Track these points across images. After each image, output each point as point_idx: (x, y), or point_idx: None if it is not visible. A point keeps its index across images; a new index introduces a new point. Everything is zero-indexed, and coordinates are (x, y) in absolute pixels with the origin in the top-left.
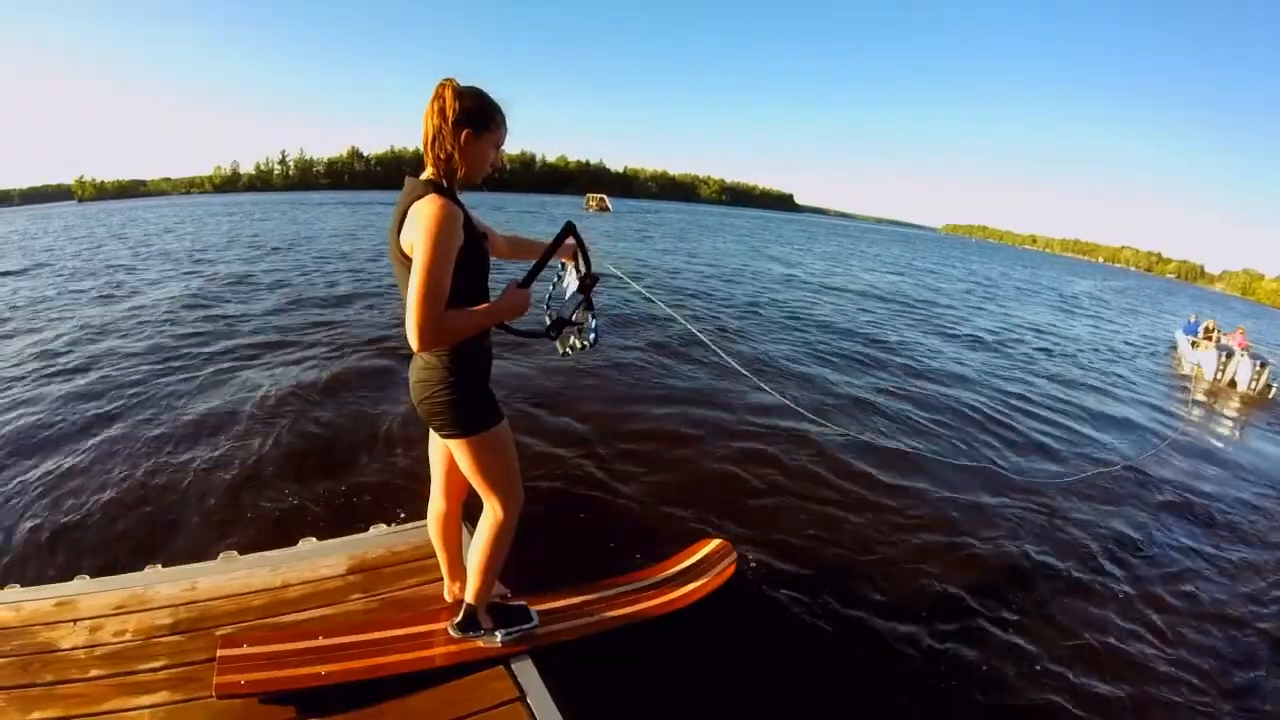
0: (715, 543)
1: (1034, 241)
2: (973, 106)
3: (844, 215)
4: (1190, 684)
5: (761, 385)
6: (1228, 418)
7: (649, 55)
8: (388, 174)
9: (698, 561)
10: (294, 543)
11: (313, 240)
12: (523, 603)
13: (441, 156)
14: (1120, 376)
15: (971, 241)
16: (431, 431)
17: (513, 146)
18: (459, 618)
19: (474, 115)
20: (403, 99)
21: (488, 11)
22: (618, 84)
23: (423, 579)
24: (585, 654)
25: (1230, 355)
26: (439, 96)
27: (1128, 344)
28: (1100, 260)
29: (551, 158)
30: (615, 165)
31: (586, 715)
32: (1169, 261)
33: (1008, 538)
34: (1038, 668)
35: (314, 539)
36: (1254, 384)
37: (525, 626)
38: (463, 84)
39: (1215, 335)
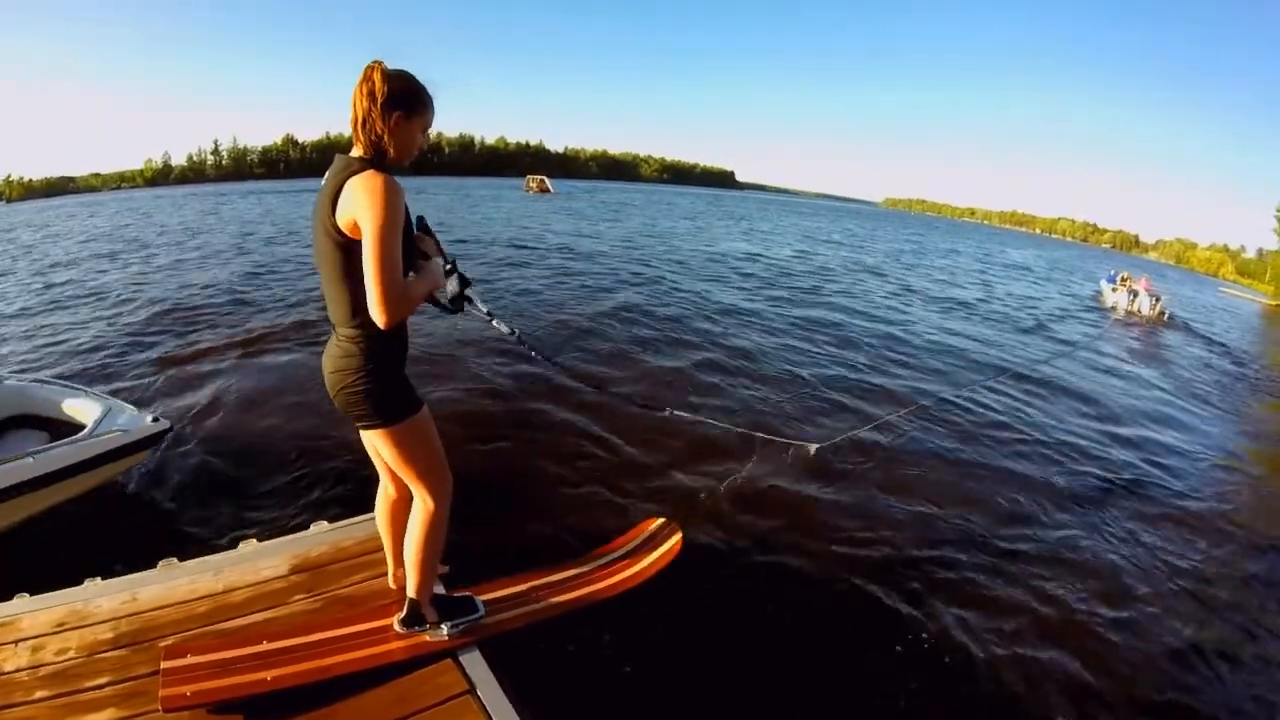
0: (660, 521)
1: (973, 214)
2: (910, 80)
3: (785, 191)
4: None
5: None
6: (1135, 329)
7: (586, 33)
8: (324, 161)
9: (644, 541)
10: (235, 546)
11: (211, 233)
12: (468, 593)
13: (373, 139)
14: (1062, 309)
15: (911, 215)
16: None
17: (452, 128)
18: (403, 613)
19: (403, 98)
20: (337, 82)
21: None
22: (557, 66)
23: (369, 574)
24: (536, 640)
25: (1136, 295)
26: (368, 79)
27: (1066, 297)
28: (1038, 231)
29: (491, 139)
30: (556, 146)
31: (538, 702)
32: (1104, 231)
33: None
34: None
35: (255, 540)
36: (1153, 310)
37: (472, 618)
38: (391, 67)
39: (1128, 282)
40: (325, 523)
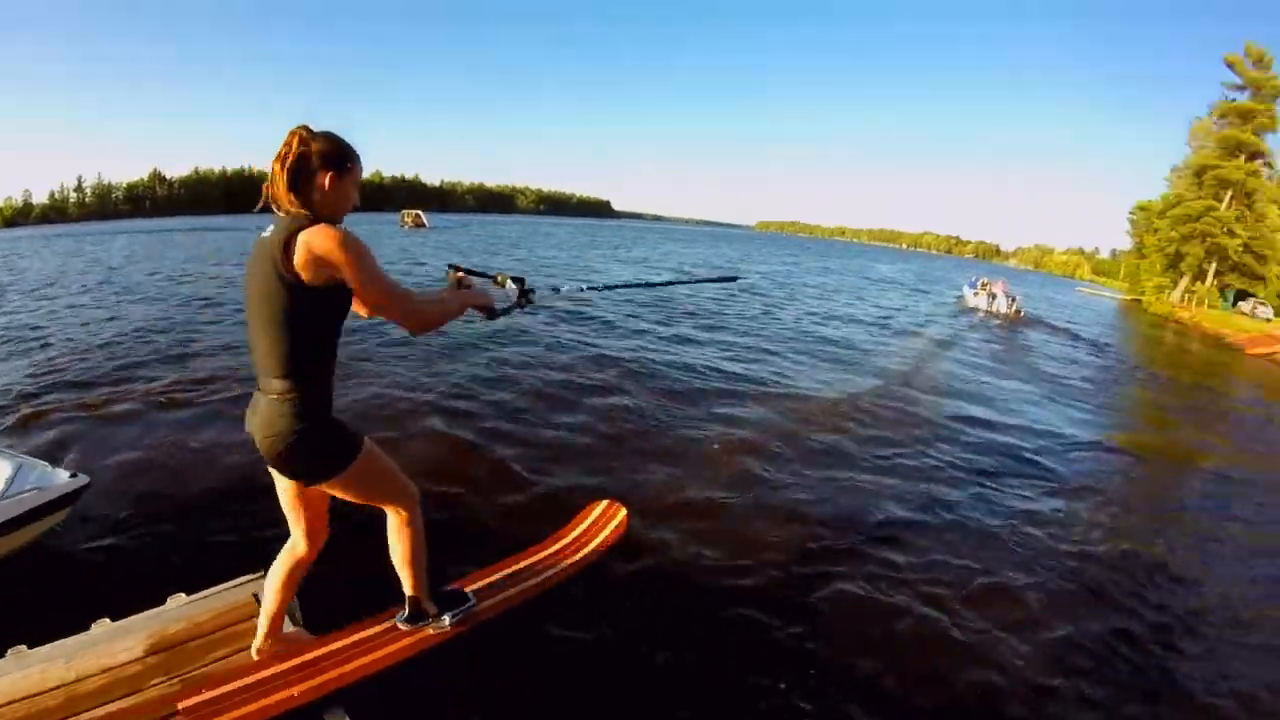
0: (604, 502)
1: (843, 233)
2: (780, 106)
3: (660, 219)
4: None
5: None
6: (996, 325)
7: (459, 64)
8: (193, 198)
9: (594, 521)
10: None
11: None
12: (457, 587)
13: (312, 200)
14: (929, 315)
15: (783, 236)
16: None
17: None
18: (406, 612)
19: (334, 158)
20: (202, 113)
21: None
22: (435, 99)
23: (229, 650)
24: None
25: (995, 297)
26: (301, 142)
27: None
28: (905, 246)
29: (367, 174)
30: (432, 179)
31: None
32: (967, 243)
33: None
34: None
35: (108, 620)
36: (1010, 309)
37: (466, 607)
38: (314, 129)
39: (988, 287)
40: (183, 595)
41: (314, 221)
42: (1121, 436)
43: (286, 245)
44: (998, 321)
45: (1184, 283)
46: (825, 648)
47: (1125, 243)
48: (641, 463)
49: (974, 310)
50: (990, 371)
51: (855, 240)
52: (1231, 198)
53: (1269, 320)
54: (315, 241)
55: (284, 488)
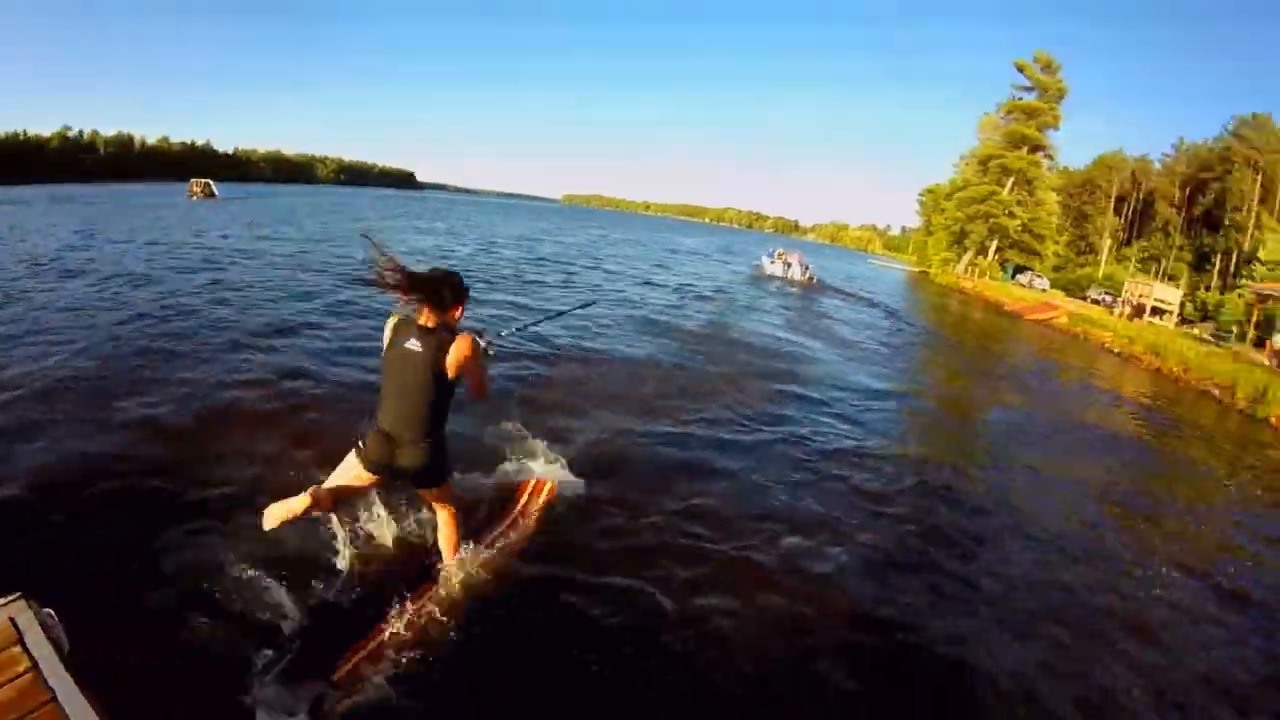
0: (533, 480)
1: (648, 207)
2: (585, 82)
3: (467, 191)
4: None
5: None
6: (792, 291)
7: (252, 19)
8: None
9: (529, 496)
10: None
11: None
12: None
13: (451, 319)
14: (731, 281)
15: (590, 210)
16: (372, 474)
17: (109, 126)
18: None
19: (463, 295)
20: None
21: None
22: (228, 60)
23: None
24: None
25: (790, 266)
26: (450, 286)
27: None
28: (708, 221)
29: (153, 139)
30: (225, 146)
31: None
32: (767, 218)
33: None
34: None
35: None
36: (804, 277)
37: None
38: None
39: (784, 257)
40: None
41: (453, 334)
42: (915, 391)
43: (442, 351)
44: (793, 289)
45: (968, 257)
46: (620, 600)
47: (914, 221)
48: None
49: (772, 278)
50: (790, 331)
51: (661, 215)
52: (1014, 184)
53: (1045, 290)
54: (464, 348)
55: (359, 479)
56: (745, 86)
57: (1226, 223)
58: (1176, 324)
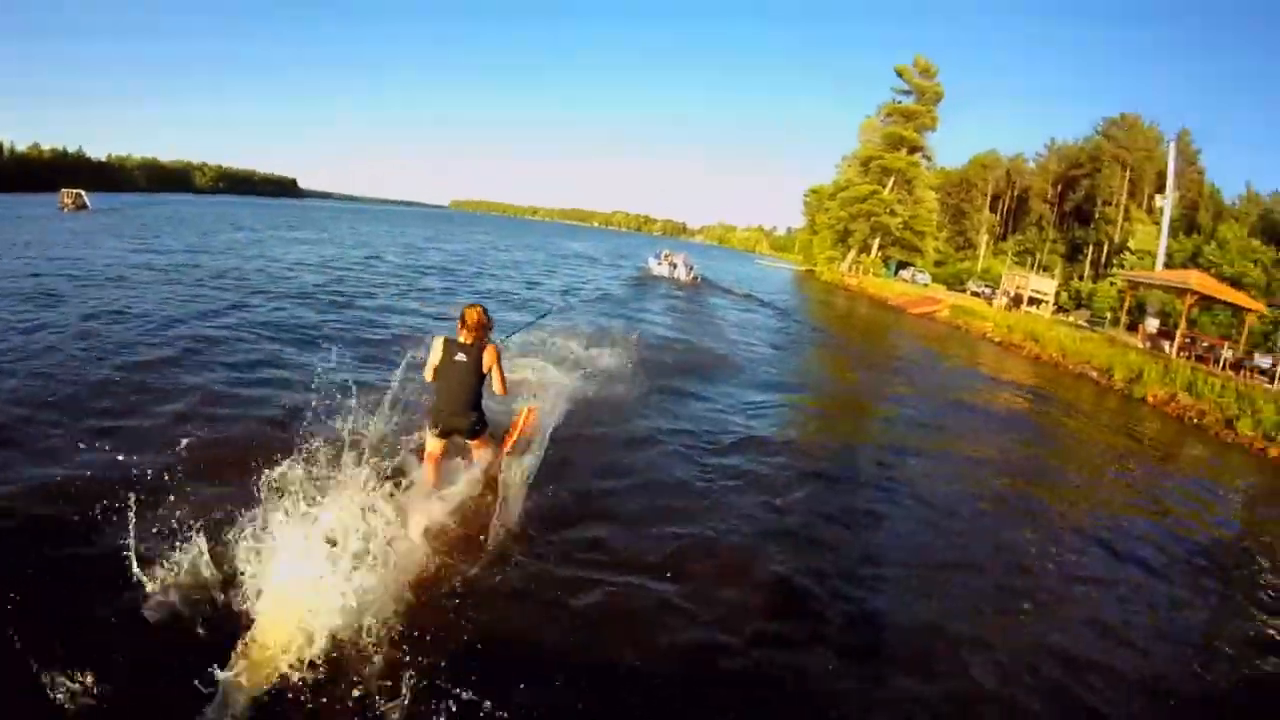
0: (526, 408)
1: (535, 212)
2: (469, 87)
3: (352, 198)
4: None
5: None
6: (679, 290)
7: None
8: None
9: (523, 420)
10: None
11: None
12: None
13: (486, 335)
14: (620, 282)
15: (478, 215)
16: (443, 439)
17: None
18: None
19: (491, 322)
20: None
21: None
22: (102, 61)
23: None
24: None
25: (675, 266)
26: (486, 315)
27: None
28: (597, 225)
29: (22, 146)
30: (98, 153)
31: None
32: (656, 221)
33: None
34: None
35: None
36: (689, 277)
37: None
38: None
39: (669, 257)
40: None
41: (486, 342)
42: (806, 384)
43: (480, 354)
44: (679, 289)
45: (852, 255)
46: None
47: (800, 221)
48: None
49: (659, 278)
50: (679, 331)
51: (549, 219)
52: (894, 183)
53: (927, 285)
54: (492, 353)
55: (439, 448)
56: (632, 89)
57: (1097, 216)
58: (1053, 312)
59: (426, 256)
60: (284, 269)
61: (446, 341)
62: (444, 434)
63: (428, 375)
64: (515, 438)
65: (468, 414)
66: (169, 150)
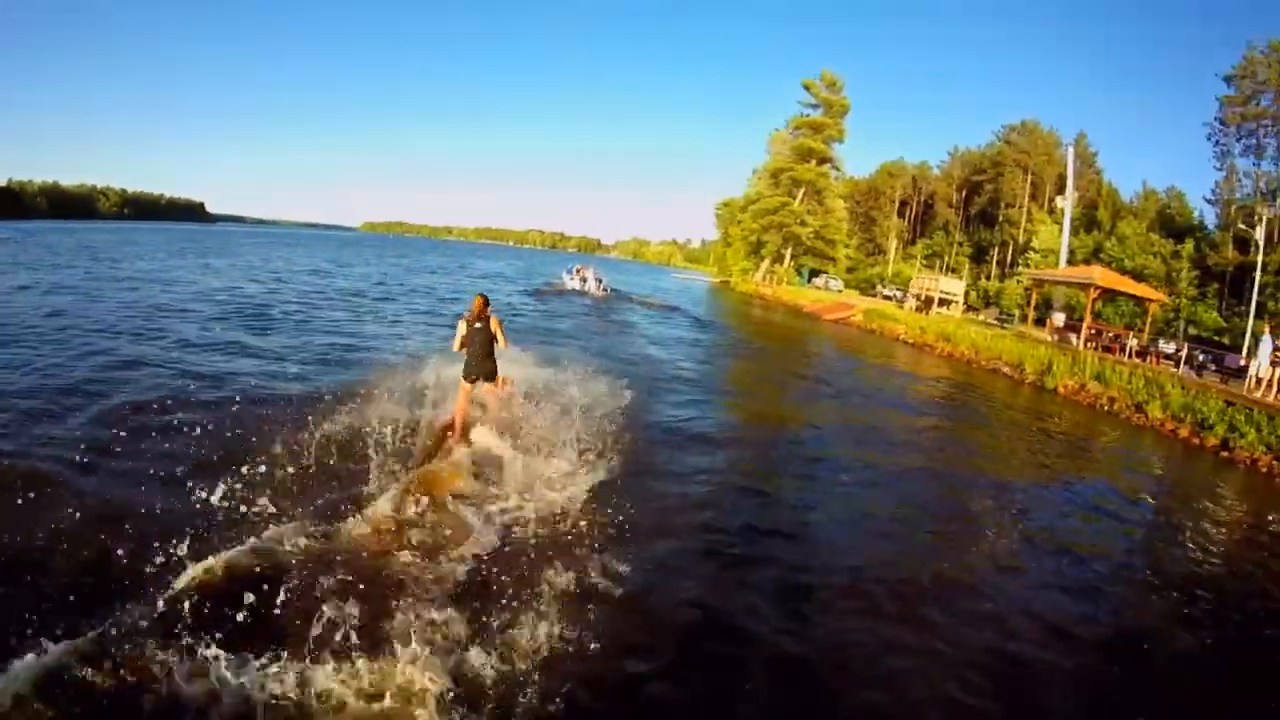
0: (506, 376)
1: (450, 232)
2: (380, 106)
3: (263, 222)
4: None
5: None
6: (590, 301)
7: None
8: None
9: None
10: None
11: None
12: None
13: (489, 312)
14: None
15: (390, 237)
16: (474, 385)
17: None
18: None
19: (488, 303)
20: None
21: None
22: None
23: None
24: None
25: (586, 280)
26: (486, 303)
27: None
28: (512, 243)
29: None
30: None
31: None
32: (571, 238)
33: None
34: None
35: None
36: (599, 290)
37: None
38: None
39: (580, 271)
40: None
41: (489, 314)
42: (728, 391)
43: (488, 323)
44: (589, 300)
45: (765, 265)
46: None
47: (713, 234)
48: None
49: (571, 291)
50: (599, 341)
51: (463, 239)
52: (804, 194)
53: (840, 291)
54: (495, 321)
55: (468, 390)
56: (542, 109)
57: (1001, 218)
58: (963, 312)
59: (334, 282)
60: (183, 299)
61: (465, 321)
62: (472, 381)
63: (455, 346)
64: (506, 385)
65: (489, 362)
66: (72, 173)
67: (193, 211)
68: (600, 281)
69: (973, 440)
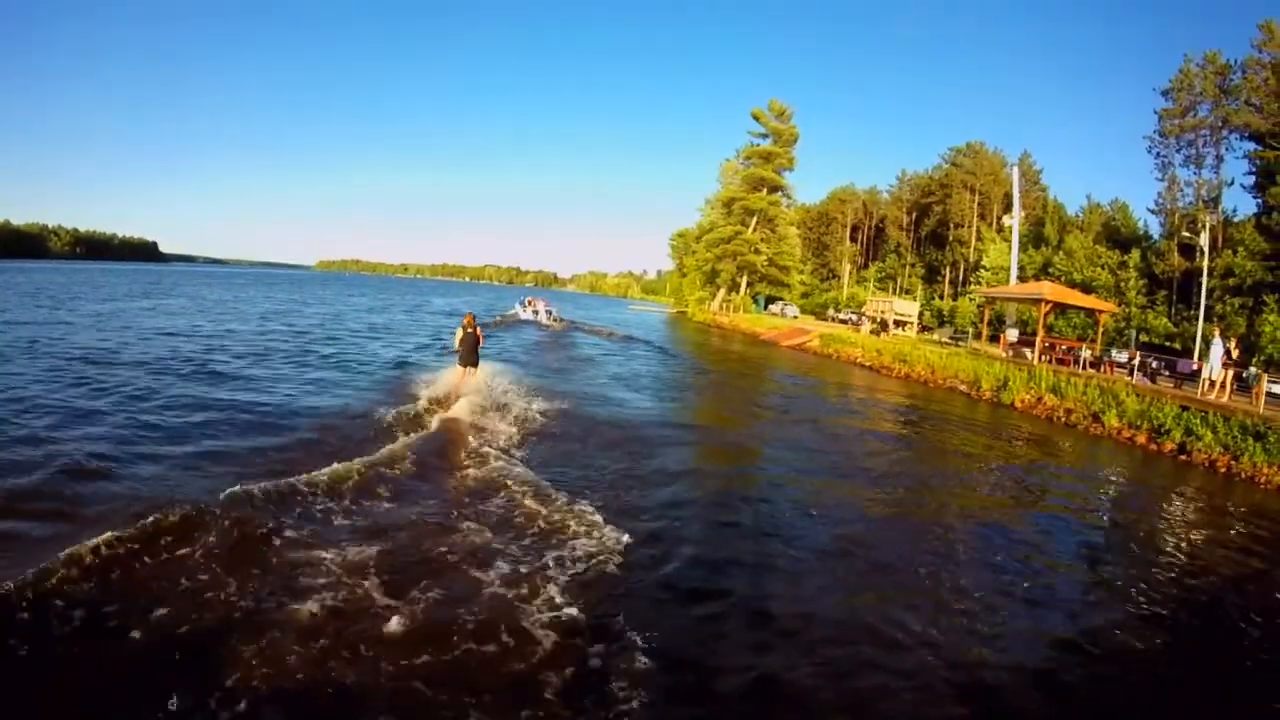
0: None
1: (406, 269)
2: (333, 145)
3: (217, 261)
4: None
5: None
6: (545, 329)
7: None
8: None
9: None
10: None
11: None
12: None
13: (477, 328)
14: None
15: (346, 275)
16: (464, 368)
17: None
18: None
19: (474, 319)
20: None
21: None
22: None
23: None
24: None
25: (538, 312)
26: (473, 322)
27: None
28: (468, 279)
29: None
30: None
31: None
32: (528, 273)
33: None
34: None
35: None
36: (551, 320)
37: None
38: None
39: (532, 304)
40: None
41: (477, 327)
42: (687, 420)
43: (476, 331)
44: (543, 331)
45: (721, 294)
46: None
47: (668, 264)
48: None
49: (523, 322)
50: (569, 375)
51: (420, 276)
52: (757, 222)
53: (796, 317)
54: (478, 332)
55: (466, 375)
56: (497, 145)
57: (951, 239)
58: (917, 332)
59: (287, 321)
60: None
61: (462, 329)
62: (463, 365)
63: (454, 344)
64: (480, 371)
65: (473, 355)
66: (21, 213)
67: (146, 251)
68: (551, 313)
69: (934, 458)
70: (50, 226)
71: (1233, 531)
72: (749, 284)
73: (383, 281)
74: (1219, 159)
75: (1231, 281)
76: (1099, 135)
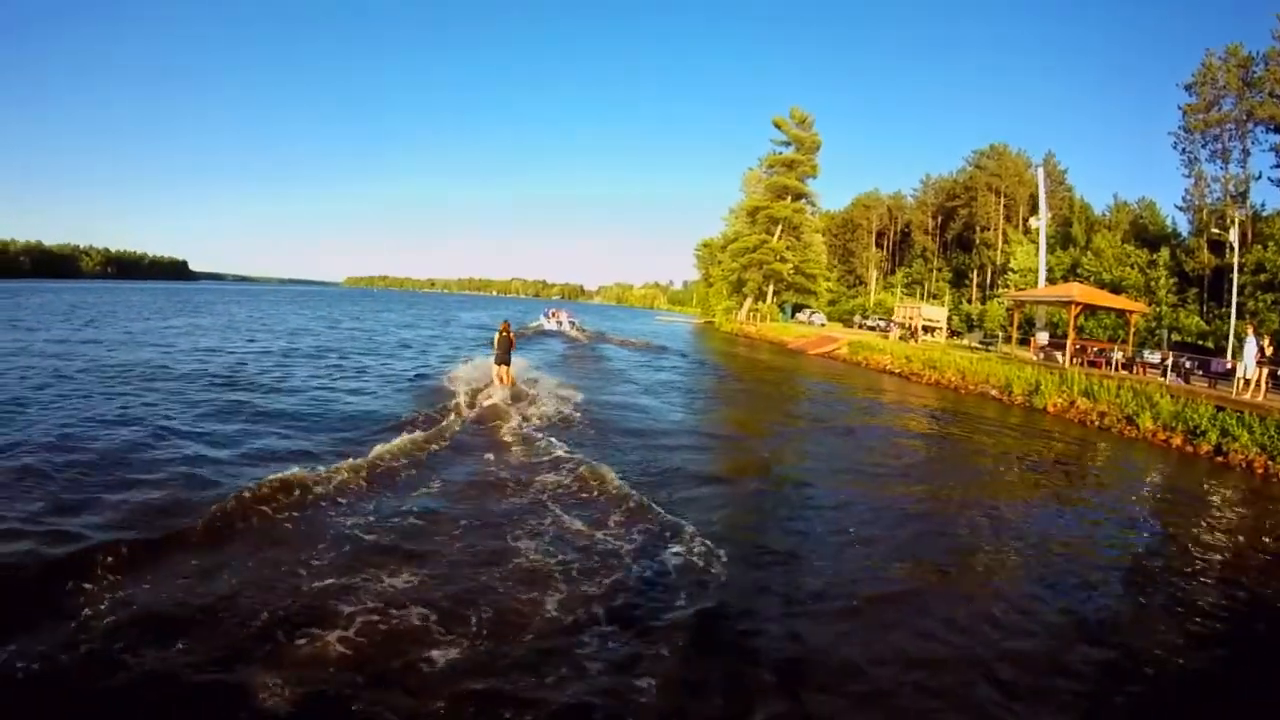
0: (506, 369)
1: (433, 284)
2: (363, 164)
3: (245, 279)
4: None
5: None
6: (571, 341)
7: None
8: None
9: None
10: None
11: None
12: None
13: (512, 334)
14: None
15: (375, 291)
16: (500, 366)
17: None
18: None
19: (508, 327)
20: None
21: None
22: None
23: None
24: None
25: (561, 323)
26: (508, 328)
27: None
28: (495, 293)
29: None
30: None
31: None
32: (554, 285)
33: None
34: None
35: None
36: (574, 330)
37: None
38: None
39: (555, 315)
40: None
41: (510, 332)
42: (725, 422)
43: (510, 336)
44: (570, 344)
45: (748, 303)
46: None
47: (694, 275)
48: None
49: (547, 333)
50: (596, 379)
51: (446, 290)
52: (782, 231)
53: (823, 325)
54: (512, 335)
55: (502, 370)
56: (525, 157)
57: (977, 242)
58: (946, 337)
59: (319, 339)
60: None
61: (500, 334)
62: (499, 364)
63: (494, 347)
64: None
65: (507, 355)
66: (55, 234)
67: (176, 269)
68: (574, 323)
69: (966, 463)
70: (81, 247)
71: (1270, 538)
72: (775, 292)
73: (411, 296)
74: (1245, 153)
75: (1263, 277)
76: (1124, 133)
